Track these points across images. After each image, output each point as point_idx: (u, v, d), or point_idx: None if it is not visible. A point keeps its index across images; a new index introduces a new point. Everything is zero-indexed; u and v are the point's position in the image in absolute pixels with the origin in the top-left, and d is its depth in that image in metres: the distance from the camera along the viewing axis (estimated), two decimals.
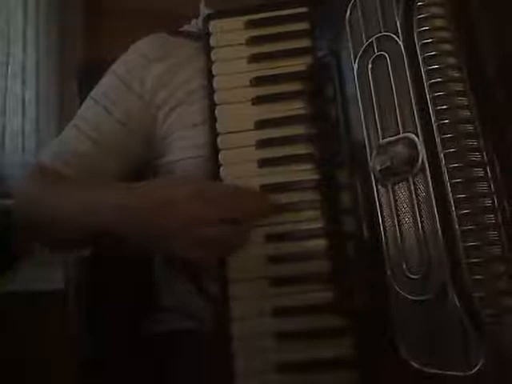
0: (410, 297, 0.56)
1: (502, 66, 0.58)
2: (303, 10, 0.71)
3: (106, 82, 0.86)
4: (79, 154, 0.80)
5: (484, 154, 0.55)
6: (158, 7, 1.99)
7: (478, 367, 0.52)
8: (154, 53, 0.84)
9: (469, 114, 0.56)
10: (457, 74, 0.58)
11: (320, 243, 0.63)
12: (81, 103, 0.98)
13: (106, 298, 0.94)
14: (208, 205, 0.61)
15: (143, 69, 0.83)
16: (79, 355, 0.94)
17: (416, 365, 0.54)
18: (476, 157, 0.55)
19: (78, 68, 1.10)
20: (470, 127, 0.56)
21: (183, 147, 0.79)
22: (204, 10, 0.88)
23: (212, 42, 0.72)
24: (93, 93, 0.86)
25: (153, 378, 0.81)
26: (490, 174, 0.55)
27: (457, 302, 0.53)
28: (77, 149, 0.81)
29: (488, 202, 0.54)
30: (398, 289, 0.56)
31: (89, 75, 1.03)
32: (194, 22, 0.90)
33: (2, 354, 1.55)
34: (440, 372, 0.53)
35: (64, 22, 2.14)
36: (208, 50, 0.72)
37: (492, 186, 0.55)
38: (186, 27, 0.90)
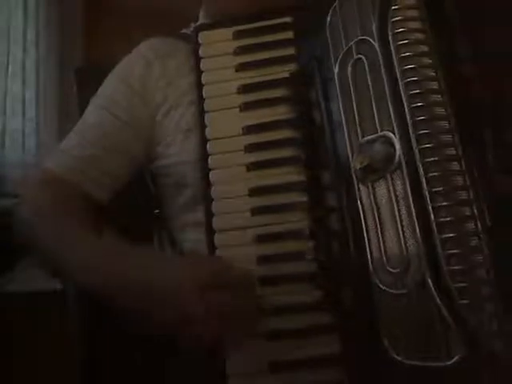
0: (391, 290, 0.57)
1: (477, 66, 0.60)
2: (287, 19, 0.73)
3: (108, 85, 0.87)
4: (86, 162, 0.81)
5: (459, 148, 0.57)
6: (158, 7, 1.99)
7: (457, 357, 0.53)
8: (154, 55, 0.85)
9: (443, 111, 0.58)
10: (431, 73, 0.60)
11: (307, 243, 0.65)
12: (80, 103, 0.98)
13: None
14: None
15: (144, 71, 0.84)
16: (79, 355, 0.94)
17: (398, 357, 0.56)
18: (451, 151, 0.57)
19: (78, 68, 1.10)
20: (444, 123, 0.58)
21: (177, 152, 0.81)
22: (202, 19, 0.88)
23: (201, 52, 0.74)
24: (95, 98, 0.86)
25: (152, 377, 0.81)
26: (464, 168, 0.57)
27: (435, 294, 0.55)
28: (83, 156, 0.81)
29: (463, 195, 0.56)
30: (379, 283, 0.58)
31: (88, 75, 1.03)
32: (192, 25, 0.90)
33: (2, 354, 1.55)
34: (421, 364, 0.55)
35: (64, 22, 2.15)
36: (197, 60, 0.74)
37: (467, 179, 0.57)
38: (184, 30, 0.90)
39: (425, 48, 0.60)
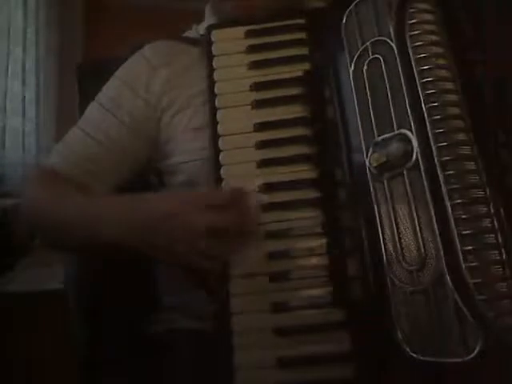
0: (407, 287, 0.57)
1: (487, 67, 0.62)
2: (300, 21, 0.74)
3: (112, 86, 0.87)
4: (87, 158, 0.82)
5: (474, 147, 0.58)
6: (157, 8, 2.00)
7: (475, 353, 0.54)
8: (159, 59, 0.85)
9: (458, 110, 0.60)
10: (447, 74, 0.61)
11: (319, 239, 0.65)
12: (80, 103, 0.98)
13: (106, 297, 0.94)
14: (207, 215, 0.62)
15: (148, 75, 0.84)
16: (79, 355, 0.94)
17: (413, 354, 0.56)
18: (466, 150, 0.59)
19: (78, 68, 1.10)
20: (459, 123, 0.59)
21: (186, 150, 0.81)
22: (209, 18, 0.89)
23: (214, 50, 0.75)
24: (98, 97, 0.87)
25: (153, 377, 0.81)
26: (480, 166, 0.58)
27: (453, 290, 0.55)
28: (84, 152, 0.82)
29: (479, 193, 0.57)
30: (395, 280, 0.58)
31: (88, 75, 1.03)
32: (194, 27, 0.91)
33: (2, 354, 1.55)
34: (436, 360, 0.55)
35: (64, 22, 2.15)
36: (210, 57, 0.74)
37: (483, 177, 0.58)
38: (186, 33, 0.90)
39: (439, 49, 0.62)
